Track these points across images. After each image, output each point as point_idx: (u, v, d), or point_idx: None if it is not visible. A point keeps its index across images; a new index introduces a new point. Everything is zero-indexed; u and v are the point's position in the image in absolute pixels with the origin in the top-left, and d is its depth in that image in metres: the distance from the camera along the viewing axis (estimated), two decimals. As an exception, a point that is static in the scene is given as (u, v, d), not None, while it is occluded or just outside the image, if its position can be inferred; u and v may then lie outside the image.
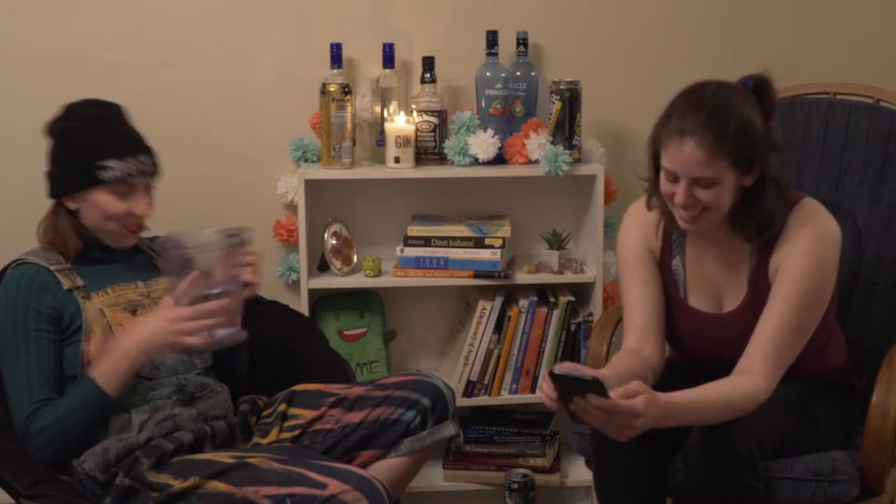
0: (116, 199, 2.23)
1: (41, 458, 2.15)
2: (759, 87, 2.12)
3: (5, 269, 2.31)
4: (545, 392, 1.97)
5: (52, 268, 2.25)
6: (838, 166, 2.56)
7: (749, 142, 2.06)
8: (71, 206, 2.27)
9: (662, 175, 2.12)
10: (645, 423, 1.91)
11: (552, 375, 1.92)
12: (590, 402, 1.89)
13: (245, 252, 2.21)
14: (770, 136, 2.11)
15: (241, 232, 2.20)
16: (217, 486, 2.07)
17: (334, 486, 2.01)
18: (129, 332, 2.19)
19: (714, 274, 2.25)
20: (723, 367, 2.13)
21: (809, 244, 2.12)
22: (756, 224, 2.14)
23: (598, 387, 1.88)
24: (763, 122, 2.09)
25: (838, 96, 2.62)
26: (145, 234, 2.39)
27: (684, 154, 2.05)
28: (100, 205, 2.24)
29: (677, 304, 2.29)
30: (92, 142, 2.25)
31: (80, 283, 2.25)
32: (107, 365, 2.16)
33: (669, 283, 2.29)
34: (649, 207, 2.25)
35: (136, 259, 2.38)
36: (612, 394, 1.88)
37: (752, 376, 2.08)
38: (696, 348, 2.31)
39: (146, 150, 2.30)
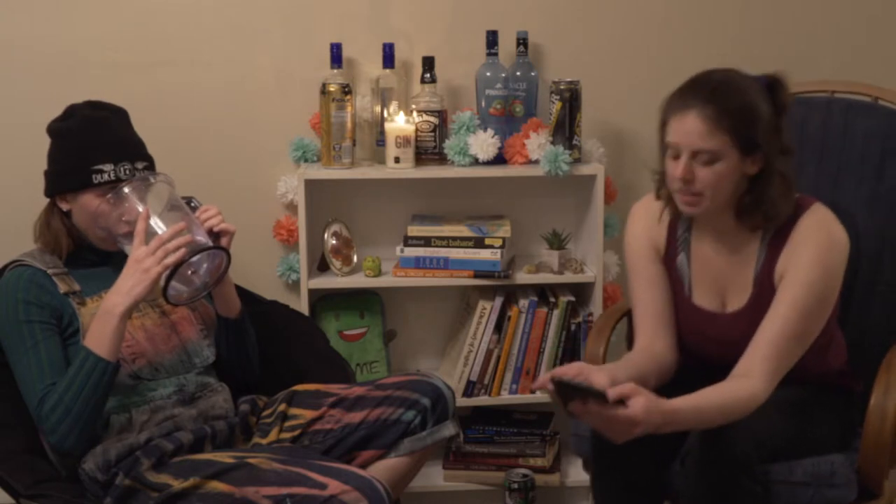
0: (106, 203, 2.21)
1: (59, 444, 2.13)
2: (771, 85, 2.12)
3: (3, 270, 2.31)
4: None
5: (49, 271, 2.25)
6: (837, 165, 2.55)
7: (752, 122, 2.07)
8: (64, 206, 2.27)
9: (667, 155, 2.13)
10: (645, 429, 1.92)
11: (555, 383, 1.94)
12: (590, 407, 1.91)
13: (202, 211, 2.24)
14: (781, 136, 2.12)
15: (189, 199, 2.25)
16: (217, 486, 2.07)
17: (334, 486, 2.01)
18: (109, 293, 2.17)
19: (720, 272, 2.24)
20: (721, 369, 2.13)
21: (818, 252, 2.12)
22: (762, 215, 2.14)
23: (599, 397, 1.90)
24: (772, 114, 2.10)
25: (837, 94, 2.62)
26: None
27: (686, 125, 2.06)
28: (90, 208, 2.23)
29: (681, 302, 2.29)
30: (88, 144, 2.24)
31: (76, 287, 2.25)
32: (94, 329, 2.14)
33: (674, 280, 2.29)
34: (658, 197, 2.26)
35: None
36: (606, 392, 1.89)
37: (750, 380, 2.08)
38: (697, 349, 2.30)
39: (144, 158, 2.29)
